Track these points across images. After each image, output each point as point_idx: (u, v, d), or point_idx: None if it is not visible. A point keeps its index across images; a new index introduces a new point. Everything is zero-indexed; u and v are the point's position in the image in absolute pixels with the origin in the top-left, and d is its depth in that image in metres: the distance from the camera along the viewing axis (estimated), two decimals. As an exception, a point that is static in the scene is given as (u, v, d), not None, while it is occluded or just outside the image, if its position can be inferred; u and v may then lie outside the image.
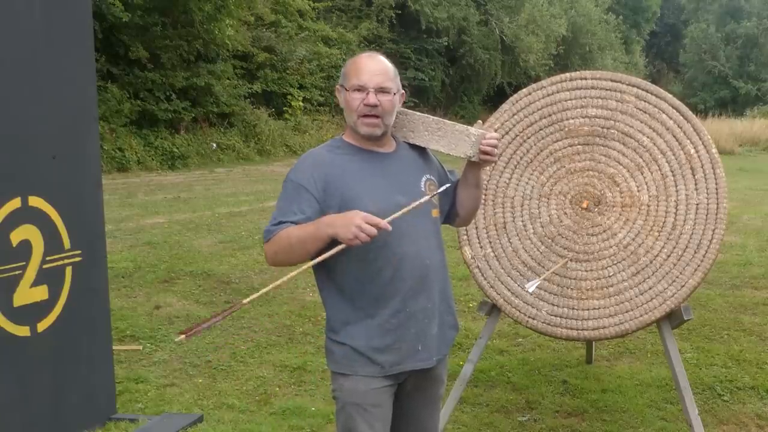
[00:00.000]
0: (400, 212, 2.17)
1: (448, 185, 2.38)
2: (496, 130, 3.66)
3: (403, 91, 2.40)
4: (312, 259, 2.20)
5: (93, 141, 3.90)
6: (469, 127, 2.44)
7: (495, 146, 2.39)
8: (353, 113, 2.29)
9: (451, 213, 2.56)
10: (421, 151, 2.48)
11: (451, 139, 2.44)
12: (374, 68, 2.29)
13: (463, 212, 2.56)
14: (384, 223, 2.08)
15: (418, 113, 2.50)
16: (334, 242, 2.13)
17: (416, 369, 2.36)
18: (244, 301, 2.16)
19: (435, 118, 2.48)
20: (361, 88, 2.27)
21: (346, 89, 2.31)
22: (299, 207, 2.22)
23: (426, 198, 2.26)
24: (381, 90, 2.27)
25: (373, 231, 2.06)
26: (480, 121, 2.55)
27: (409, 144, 2.48)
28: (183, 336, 2.02)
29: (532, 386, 4.53)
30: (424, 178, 2.40)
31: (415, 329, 2.31)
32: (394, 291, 2.27)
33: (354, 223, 2.06)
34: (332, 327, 2.35)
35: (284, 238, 2.18)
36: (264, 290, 2.18)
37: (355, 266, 2.26)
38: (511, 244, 3.60)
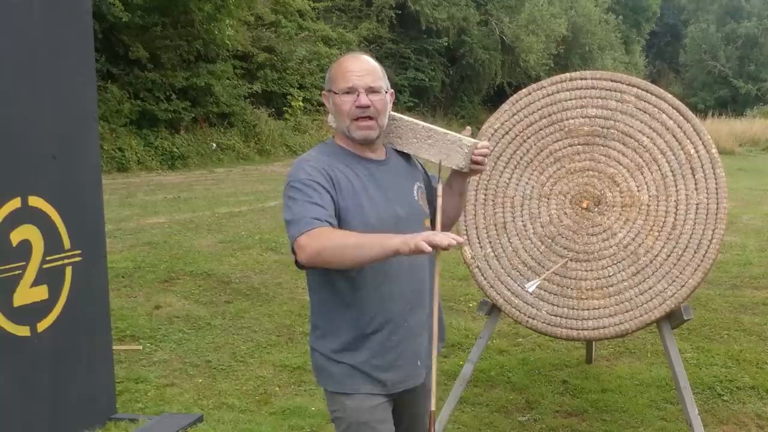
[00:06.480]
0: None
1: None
2: (496, 131, 3.66)
3: (392, 90, 2.32)
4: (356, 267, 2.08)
5: (93, 141, 3.90)
6: (462, 137, 2.33)
7: (486, 155, 2.33)
8: (345, 117, 2.21)
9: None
10: (407, 156, 2.41)
11: (442, 148, 2.33)
12: (361, 68, 2.22)
13: (445, 220, 2.44)
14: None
15: (406, 118, 2.40)
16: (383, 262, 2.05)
17: (415, 385, 2.31)
18: None
19: (424, 124, 2.38)
20: (350, 90, 2.19)
21: (334, 93, 2.23)
22: (324, 204, 2.09)
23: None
24: (371, 90, 2.20)
25: (451, 241, 1.94)
26: (468, 127, 2.45)
27: (397, 149, 2.40)
28: None
29: (532, 386, 4.53)
30: (415, 186, 2.35)
31: (413, 344, 2.27)
32: (393, 307, 2.21)
33: (434, 233, 1.96)
34: (327, 345, 2.25)
35: (336, 236, 2.02)
36: None
37: (355, 284, 2.19)
38: (511, 244, 3.59)
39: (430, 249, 1.91)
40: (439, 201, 2.11)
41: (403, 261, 2.19)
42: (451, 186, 2.41)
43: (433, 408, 2.07)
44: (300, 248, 2.03)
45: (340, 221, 2.17)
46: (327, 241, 2.00)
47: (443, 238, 1.92)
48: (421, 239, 1.91)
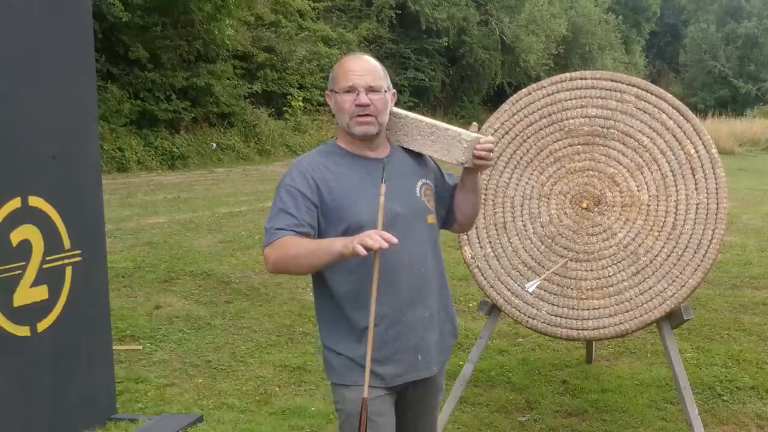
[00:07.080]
0: None
1: None
2: (495, 130, 3.66)
3: (395, 90, 2.35)
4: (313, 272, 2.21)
5: (93, 141, 3.90)
6: (462, 132, 2.34)
7: (490, 151, 2.32)
8: (345, 115, 2.25)
9: (449, 218, 2.51)
10: (416, 154, 2.42)
11: (443, 144, 2.35)
12: (362, 68, 2.26)
13: (462, 218, 2.50)
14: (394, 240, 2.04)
15: (411, 115, 2.42)
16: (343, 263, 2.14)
17: (417, 379, 2.33)
18: None
19: (428, 121, 2.40)
20: (351, 89, 2.23)
21: (336, 92, 2.27)
22: (298, 212, 2.19)
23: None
24: (371, 89, 2.24)
25: (383, 243, 2.01)
26: (475, 124, 2.47)
27: (404, 147, 2.42)
28: None
29: (532, 386, 4.53)
30: (419, 183, 2.36)
31: (413, 340, 2.29)
32: (389, 302, 2.23)
33: (368, 234, 2.03)
34: (330, 338, 2.31)
35: (292, 246, 2.14)
36: None
37: (350, 278, 2.22)
38: (511, 244, 3.60)
39: (365, 252, 2.00)
40: (382, 199, 2.12)
41: (402, 258, 2.23)
42: (464, 183, 2.44)
43: (365, 395, 2.15)
44: (265, 259, 2.21)
45: (333, 219, 2.22)
46: (284, 251, 2.16)
47: (375, 240, 1.99)
48: (357, 242, 2.00)
